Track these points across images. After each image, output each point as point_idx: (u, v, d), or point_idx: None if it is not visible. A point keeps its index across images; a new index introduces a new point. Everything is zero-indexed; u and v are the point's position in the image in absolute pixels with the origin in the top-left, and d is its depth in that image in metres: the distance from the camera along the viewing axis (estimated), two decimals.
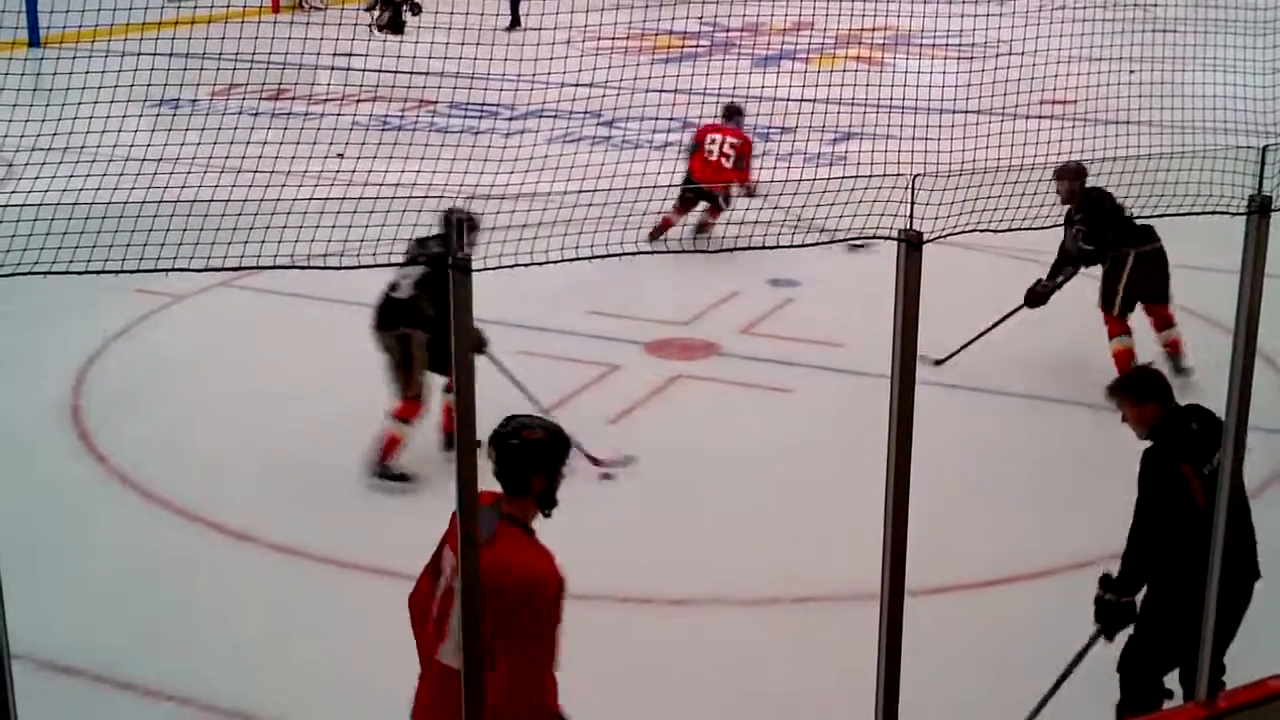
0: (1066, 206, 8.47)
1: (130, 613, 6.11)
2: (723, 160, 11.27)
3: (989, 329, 8.72)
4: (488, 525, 3.70)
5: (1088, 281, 8.72)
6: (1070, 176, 8.47)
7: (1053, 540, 6.62)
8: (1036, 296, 8.80)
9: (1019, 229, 4.40)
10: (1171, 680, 5.01)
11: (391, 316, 7.35)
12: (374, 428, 7.43)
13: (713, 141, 11.31)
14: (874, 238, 3.85)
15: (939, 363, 8.56)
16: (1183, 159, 5.18)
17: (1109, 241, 8.44)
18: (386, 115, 15.12)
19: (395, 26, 22.52)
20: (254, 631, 5.98)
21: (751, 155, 11.50)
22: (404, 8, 22.86)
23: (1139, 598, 4.97)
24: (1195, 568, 4.78)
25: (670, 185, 10.51)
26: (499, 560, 3.65)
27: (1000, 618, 6.08)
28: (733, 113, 11.66)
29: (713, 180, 11.11)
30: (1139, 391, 5.06)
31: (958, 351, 8.65)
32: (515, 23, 22.55)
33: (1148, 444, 4.95)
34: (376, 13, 22.98)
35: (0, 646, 3.31)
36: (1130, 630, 5.01)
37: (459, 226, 7.46)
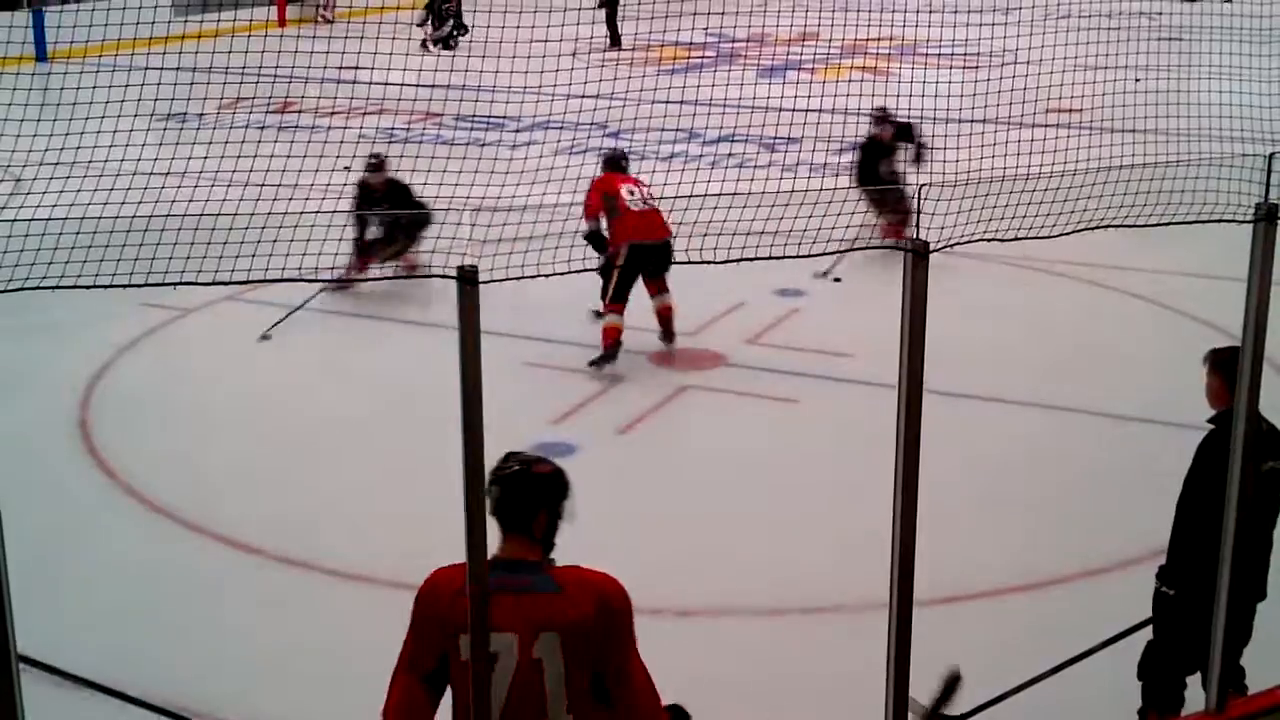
0: None
1: (138, 625, 6.10)
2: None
3: None
4: (523, 577, 3.46)
5: (1095, 288, 8.72)
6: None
7: (1060, 548, 6.61)
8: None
9: (1025, 238, 4.40)
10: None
11: None
12: (381, 440, 7.38)
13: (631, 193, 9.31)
14: (881, 246, 3.85)
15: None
16: (1189, 167, 5.18)
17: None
18: (393, 128, 15.14)
19: (446, 43, 22.44)
20: (262, 645, 5.98)
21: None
22: (453, 30, 22.75)
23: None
24: (1231, 565, 4.73)
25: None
26: (585, 587, 3.51)
27: (1009, 626, 6.07)
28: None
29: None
30: (1217, 363, 4.85)
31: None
32: (615, 41, 22.35)
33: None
34: (429, 28, 22.93)
35: (9, 658, 3.31)
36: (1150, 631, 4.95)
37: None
